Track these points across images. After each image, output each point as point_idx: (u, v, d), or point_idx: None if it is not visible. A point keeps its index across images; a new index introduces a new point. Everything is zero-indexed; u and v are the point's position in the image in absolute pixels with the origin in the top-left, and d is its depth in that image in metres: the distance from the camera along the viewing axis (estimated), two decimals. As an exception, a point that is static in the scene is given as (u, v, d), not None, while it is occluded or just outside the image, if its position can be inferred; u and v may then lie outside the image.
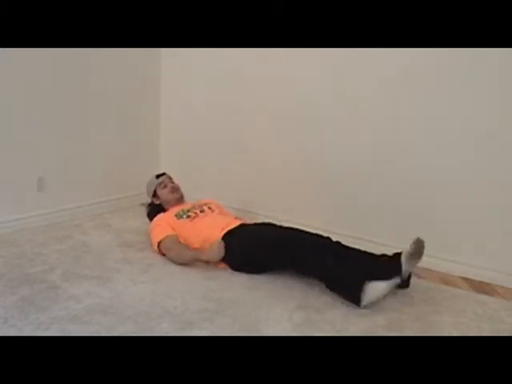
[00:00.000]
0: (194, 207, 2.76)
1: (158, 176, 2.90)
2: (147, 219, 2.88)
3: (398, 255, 2.17)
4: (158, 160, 3.75)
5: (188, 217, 2.67)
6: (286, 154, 3.11)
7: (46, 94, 2.96)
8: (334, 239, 2.39)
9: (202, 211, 2.73)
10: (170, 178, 2.92)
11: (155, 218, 2.73)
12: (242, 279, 2.34)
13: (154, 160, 3.73)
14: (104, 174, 3.38)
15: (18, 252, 2.55)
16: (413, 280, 2.27)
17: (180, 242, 2.57)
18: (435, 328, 1.96)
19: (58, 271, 2.33)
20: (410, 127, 2.62)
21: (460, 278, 2.52)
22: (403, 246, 2.16)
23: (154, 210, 2.85)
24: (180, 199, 2.87)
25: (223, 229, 2.50)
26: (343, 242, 2.41)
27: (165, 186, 2.85)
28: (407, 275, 2.20)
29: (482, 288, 2.40)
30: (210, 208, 2.78)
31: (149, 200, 2.96)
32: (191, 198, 3.01)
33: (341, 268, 2.13)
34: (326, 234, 2.44)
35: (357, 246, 2.36)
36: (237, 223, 2.57)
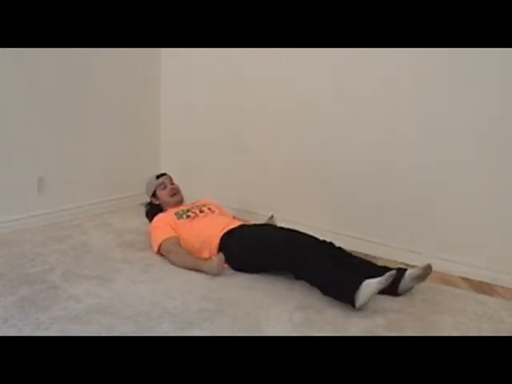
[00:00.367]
0: (193, 207, 2.76)
1: (158, 176, 2.88)
2: (147, 219, 2.88)
3: (402, 270, 2.17)
4: (158, 160, 3.75)
5: (188, 217, 2.66)
6: (286, 154, 3.11)
7: (46, 94, 2.96)
8: (334, 240, 2.39)
9: (201, 211, 2.72)
10: (170, 179, 2.90)
11: (155, 219, 2.72)
12: (241, 279, 2.34)
13: (154, 160, 3.73)
14: (104, 174, 3.38)
15: (18, 252, 2.55)
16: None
17: (180, 245, 2.56)
18: (435, 328, 1.96)
19: (57, 271, 2.33)
20: (410, 127, 2.62)
21: (460, 277, 2.52)
22: (403, 245, 2.15)
23: (153, 209, 2.84)
24: (179, 202, 2.84)
25: (223, 229, 2.50)
26: (343, 242, 2.42)
27: (165, 187, 2.83)
28: (404, 291, 2.20)
29: (481, 288, 2.41)
30: (209, 209, 2.77)
31: (148, 199, 2.94)
32: (191, 198, 3.01)
33: (337, 271, 2.11)
34: (326, 235, 2.44)
35: (357, 246, 2.35)
36: (236, 224, 2.57)
